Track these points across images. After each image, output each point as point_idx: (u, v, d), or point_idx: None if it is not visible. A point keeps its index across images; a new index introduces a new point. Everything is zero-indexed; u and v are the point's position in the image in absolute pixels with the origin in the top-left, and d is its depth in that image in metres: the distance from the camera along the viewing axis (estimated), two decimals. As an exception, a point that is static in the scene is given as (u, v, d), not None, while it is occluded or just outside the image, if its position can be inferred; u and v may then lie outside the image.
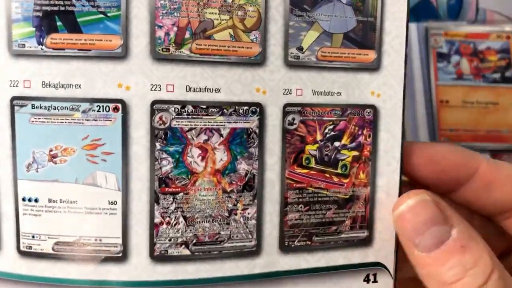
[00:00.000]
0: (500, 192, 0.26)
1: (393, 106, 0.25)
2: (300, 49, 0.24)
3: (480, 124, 0.54)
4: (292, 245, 0.25)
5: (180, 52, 0.22)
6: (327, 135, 0.25)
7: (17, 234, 0.23)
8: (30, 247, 0.23)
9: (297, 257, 0.25)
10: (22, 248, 0.23)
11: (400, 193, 0.26)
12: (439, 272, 0.23)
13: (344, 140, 0.25)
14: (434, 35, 0.57)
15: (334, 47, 0.24)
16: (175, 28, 0.22)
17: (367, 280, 0.26)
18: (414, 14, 0.60)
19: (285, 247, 0.24)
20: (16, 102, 0.22)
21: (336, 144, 0.25)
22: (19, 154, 0.22)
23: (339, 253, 0.25)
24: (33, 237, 0.23)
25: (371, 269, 0.26)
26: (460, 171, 0.26)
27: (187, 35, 0.22)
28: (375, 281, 0.26)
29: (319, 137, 0.25)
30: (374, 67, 0.25)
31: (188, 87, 0.22)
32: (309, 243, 0.25)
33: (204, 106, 0.22)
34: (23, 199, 0.22)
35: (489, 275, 0.22)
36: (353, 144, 0.25)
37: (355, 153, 0.25)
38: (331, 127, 0.25)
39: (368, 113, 0.25)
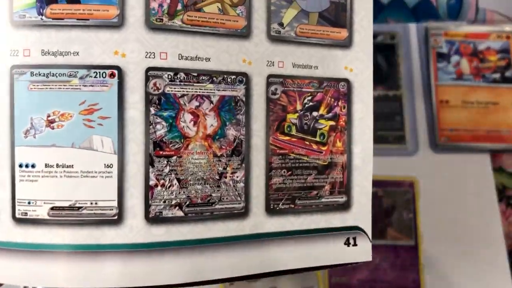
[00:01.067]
0: None
1: (365, 79, 0.28)
2: (281, 24, 0.26)
3: (480, 124, 0.55)
4: (277, 208, 0.27)
5: (173, 22, 0.24)
6: (306, 105, 0.27)
7: (12, 201, 0.24)
8: (26, 214, 0.23)
9: (282, 219, 0.27)
10: (17, 215, 0.23)
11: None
12: None
13: (321, 111, 0.28)
14: (434, 35, 0.58)
15: (311, 24, 0.27)
16: (168, 0, 0.24)
17: (347, 243, 0.28)
18: (414, 14, 0.61)
19: (271, 210, 0.26)
20: (15, 70, 0.23)
21: (314, 114, 0.27)
22: (17, 121, 0.23)
23: (320, 217, 0.27)
24: (29, 203, 0.23)
25: (350, 232, 0.28)
26: None
27: (179, 6, 0.24)
28: (355, 244, 0.28)
29: (299, 107, 0.27)
30: (346, 44, 0.28)
31: (180, 55, 0.24)
32: (293, 206, 0.27)
33: (195, 74, 0.24)
34: (20, 166, 0.23)
35: None
36: (330, 115, 0.28)
37: (332, 122, 0.28)
38: (309, 98, 0.27)
39: (343, 86, 0.28)
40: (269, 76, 0.26)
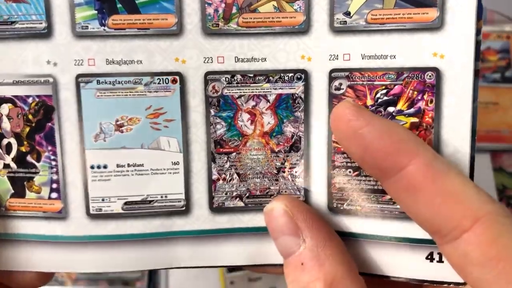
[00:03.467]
0: (427, 206, 0.22)
1: (461, 67, 0.25)
2: (347, 14, 0.25)
3: (480, 124, 0.54)
4: (341, 208, 0.27)
5: (228, 26, 0.25)
6: (379, 100, 0.26)
7: (86, 200, 0.27)
8: (100, 209, 0.27)
9: (347, 219, 0.26)
10: (92, 211, 0.27)
11: (472, 165, 0.25)
12: (287, 280, 0.24)
13: (400, 106, 0.26)
14: None
15: (386, 8, 0.25)
16: (223, 5, 0.25)
17: (430, 258, 0.26)
18: None
19: (333, 208, 0.27)
20: (81, 79, 0.25)
21: (390, 109, 0.26)
22: (86, 126, 0.26)
23: (396, 224, 0.26)
24: (102, 200, 0.27)
25: (435, 247, 0.25)
26: (385, 159, 0.22)
27: (234, 10, 0.25)
28: (440, 260, 0.26)
29: (369, 102, 0.26)
30: (436, 26, 0.25)
31: (236, 58, 0.26)
32: (359, 208, 0.26)
33: (252, 75, 0.26)
34: (92, 167, 0.26)
35: None
36: (412, 110, 0.26)
37: (414, 119, 0.26)
38: (383, 91, 0.26)
39: (430, 76, 0.25)
40: (332, 70, 0.26)
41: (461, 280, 0.24)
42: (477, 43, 0.24)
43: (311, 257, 0.23)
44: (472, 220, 0.20)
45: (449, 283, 0.26)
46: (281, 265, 0.26)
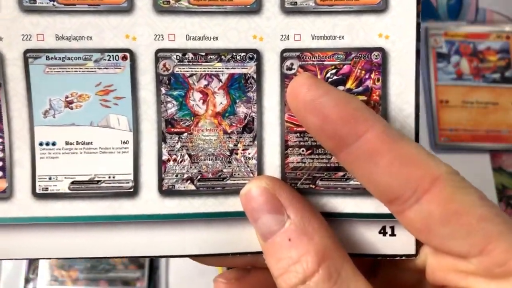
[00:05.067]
0: (386, 172, 0.22)
1: (405, 47, 0.26)
2: None
3: (479, 124, 0.57)
4: (295, 187, 0.27)
5: (180, 4, 0.26)
6: (329, 80, 0.27)
7: (32, 178, 0.27)
8: (46, 189, 0.27)
9: None
10: (38, 191, 0.27)
11: (417, 141, 0.26)
12: (271, 264, 0.24)
13: (349, 85, 0.27)
14: (434, 35, 0.60)
15: None
16: (175, -18, 0.26)
17: (383, 232, 0.27)
18: None
19: None
20: (29, 54, 0.26)
21: (340, 88, 0.27)
22: (35, 102, 0.26)
23: (348, 200, 0.27)
24: (49, 178, 0.27)
25: (387, 220, 0.26)
26: (343, 127, 0.22)
27: (186, -12, 0.26)
28: (392, 234, 0.27)
29: None
30: (381, 8, 0.26)
31: (187, 36, 0.26)
32: (313, 186, 0.27)
33: (203, 54, 0.27)
34: (40, 144, 0.26)
35: (312, 274, 0.22)
36: (360, 89, 0.27)
37: (363, 97, 0.27)
38: (333, 71, 0.27)
39: (376, 56, 0.27)
40: (284, 50, 0.27)
41: (412, 252, 0.26)
42: (418, 25, 0.26)
43: (299, 232, 0.23)
44: (431, 181, 0.22)
45: (401, 256, 0.27)
46: (236, 254, 0.26)
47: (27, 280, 0.58)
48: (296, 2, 0.26)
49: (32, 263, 0.59)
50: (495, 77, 0.59)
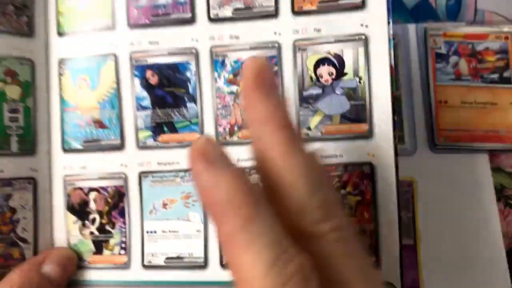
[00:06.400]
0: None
1: (386, 162, 0.37)
2: (309, 128, 0.40)
3: (478, 124, 0.56)
4: None
5: (232, 140, 0.40)
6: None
7: (142, 255, 0.41)
8: (150, 262, 0.41)
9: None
10: (145, 263, 0.41)
11: (400, 230, 0.36)
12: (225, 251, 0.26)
13: (348, 189, 0.39)
14: (433, 35, 0.60)
15: (334, 124, 0.39)
16: (228, 125, 0.40)
17: None
18: (413, 15, 0.64)
19: None
20: (142, 175, 0.41)
21: (342, 192, 0.39)
22: (145, 205, 0.41)
23: None
24: (152, 255, 0.41)
25: None
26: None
27: (236, 128, 0.40)
28: None
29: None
30: (368, 135, 0.38)
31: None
32: None
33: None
34: (147, 232, 0.41)
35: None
36: (356, 191, 0.38)
37: (359, 198, 0.38)
38: (336, 180, 0.39)
39: (366, 169, 0.38)
40: None
41: None
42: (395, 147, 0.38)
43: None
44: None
45: None
46: None
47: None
48: (308, 133, 0.40)
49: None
50: (493, 77, 0.59)
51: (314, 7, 0.39)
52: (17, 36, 0.41)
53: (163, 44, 0.41)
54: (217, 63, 0.41)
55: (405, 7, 0.64)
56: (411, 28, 0.58)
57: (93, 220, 0.42)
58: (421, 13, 0.65)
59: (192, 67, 0.41)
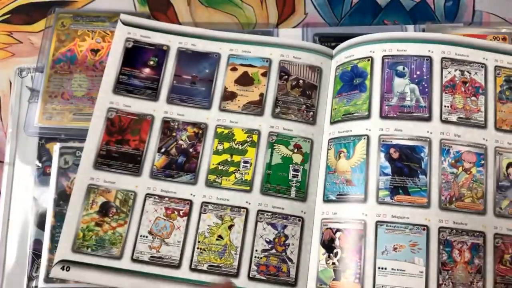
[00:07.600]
0: None
1: None
2: (500, 208, 0.51)
3: None
4: None
5: (450, 207, 0.52)
6: None
7: (373, 286, 0.54)
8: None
9: None
10: None
11: None
12: None
13: None
14: None
15: None
16: (449, 196, 0.53)
17: None
18: (411, 16, 0.68)
19: None
20: (379, 223, 0.55)
21: None
22: (379, 247, 0.55)
23: None
24: (382, 286, 0.53)
25: None
26: None
27: (454, 199, 0.52)
28: None
29: None
30: None
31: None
32: None
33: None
34: (379, 268, 0.54)
35: None
36: None
37: None
38: None
39: None
40: None
41: None
42: None
43: None
44: None
45: None
46: None
47: (30, 279, 0.60)
48: None
49: (35, 262, 0.60)
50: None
51: (508, 128, 0.57)
52: (305, 123, 0.63)
53: (406, 131, 0.58)
54: (444, 151, 0.57)
55: (403, 8, 0.68)
56: (410, 29, 0.65)
57: (336, 254, 0.57)
58: (419, 14, 0.68)
59: (426, 150, 0.57)
